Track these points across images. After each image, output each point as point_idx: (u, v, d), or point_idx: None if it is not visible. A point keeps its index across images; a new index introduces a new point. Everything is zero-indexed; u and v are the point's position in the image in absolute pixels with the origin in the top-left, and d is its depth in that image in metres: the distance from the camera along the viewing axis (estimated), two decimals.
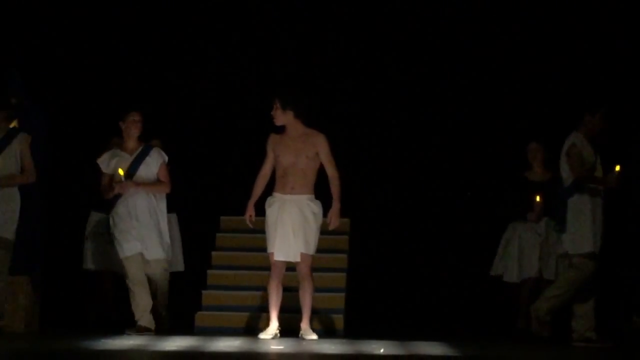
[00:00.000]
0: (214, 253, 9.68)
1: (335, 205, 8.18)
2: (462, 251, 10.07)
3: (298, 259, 8.15)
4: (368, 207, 10.23)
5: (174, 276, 9.72)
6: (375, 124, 10.46)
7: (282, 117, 8.18)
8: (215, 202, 10.13)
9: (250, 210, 8.22)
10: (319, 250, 8.68)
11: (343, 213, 8.38)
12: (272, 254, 8.17)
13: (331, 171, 8.21)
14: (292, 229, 8.10)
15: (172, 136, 10.28)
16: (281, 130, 8.27)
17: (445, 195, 10.28)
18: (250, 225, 8.27)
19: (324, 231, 8.45)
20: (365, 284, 9.91)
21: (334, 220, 8.18)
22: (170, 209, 8.80)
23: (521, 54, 10.23)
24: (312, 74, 10.33)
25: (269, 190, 8.30)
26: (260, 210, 8.27)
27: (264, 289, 8.57)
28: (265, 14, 10.51)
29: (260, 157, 8.41)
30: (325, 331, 8.78)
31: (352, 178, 10.01)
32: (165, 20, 10.44)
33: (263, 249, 8.81)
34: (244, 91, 10.42)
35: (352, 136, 10.30)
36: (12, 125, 8.49)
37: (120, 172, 8.35)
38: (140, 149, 8.50)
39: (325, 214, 8.22)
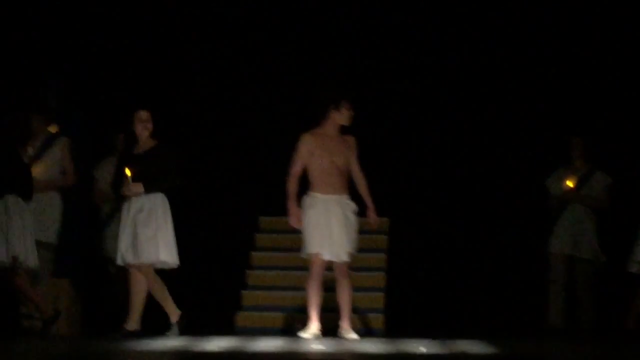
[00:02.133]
0: (253, 253, 9.71)
1: (372, 205, 8.25)
2: (503, 248, 10.01)
3: (345, 259, 8.16)
4: (407, 206, 10.21)
5: (214, 277, 9.80)
6: (413, 121, 10.43)
7: None
8: (254, 202, 10.16)
9: (296, 212, 8.20)
10: (359, 249, 8.70)
11: (382, 212, 8.41)
12: (316, 254, 8.17)
13: (360, 172, 8.28)
14: (337, 229, 8.12)
15: (211, 136, 10.35)
16: (313, 130, 8.23)
17: (485, 193, 10.23)
18: (298, 227, 8.26)
19: (363, 230, 8.45)
20: (405, 283, 9.89)
21: (376, 219, 8.26)
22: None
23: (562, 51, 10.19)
24: (351, 72, 10.31)
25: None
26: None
27: (303, 289, 8.57)
28: (305, 12, 10.51)
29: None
30: (365, 331, 8.78)
31: (391, 177, 10.02)
32: (210, 22, 10.46)
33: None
34: (282, 92, 10.43)
35: (391, 134, 10.28)
36: (52, 130, 8.59)
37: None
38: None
39: (361, 214, 8.25)
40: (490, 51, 10.28)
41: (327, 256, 8.15)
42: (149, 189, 8.11)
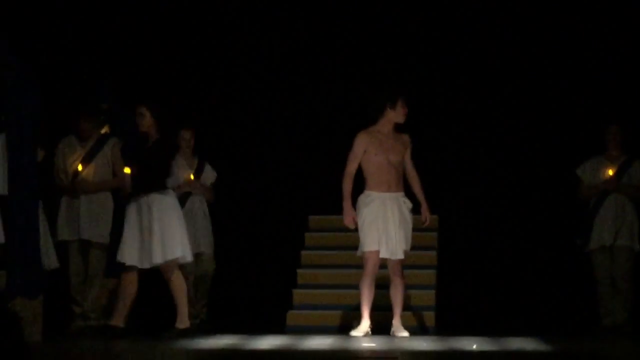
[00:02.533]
0: (303, 252, 9.73)
1: (425, 203, 8.29)
2: (556, 246, 9.92)
3: (401, 256, 8.17)
4: (456, 204, 10.16)
5: (265, 276, 9.82)
6: (461, 118, 10.38)
7: None
8: (303, 201, 10.18)
9: (352, 212, 8.20)
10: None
11: (432, 209, 8.41)
12: (372, 252, 8.16)
13: (414, 170, 8.30)
14: (394, 226, 8.13)
15: (260, 135, 10.38)
16: (368, 128, 8.25)
17: (536, 188, 10.14)
18: (353, 227, 8.26)
19: (414, 228, 8.44)
20: (456, 280, 9.85)
21: (429, 217, 8.29)
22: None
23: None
24: (402, 70, 10.28)
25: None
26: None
27: (353, 287, 8.58)
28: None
29: (344, 154, 8.39)
30: (417, 328, 8.76)
31: (440, 174, 9.97)
32: (231, 21, 10.47)
33: (352, 247, 8.82)
34: (330, 90, 10.43)
35: (440, 131, 10.23)
36: (103, 131, 8.66)
37: (192, 176, 8.94)
38: (196, 162, 9.05)
39: (415, 212, 8.25)
40: (524, 41, 10.18)
41: (383, 253, 8.15)
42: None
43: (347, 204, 8.22)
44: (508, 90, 10.29)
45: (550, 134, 10.12)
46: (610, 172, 8.90)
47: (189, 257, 8.03)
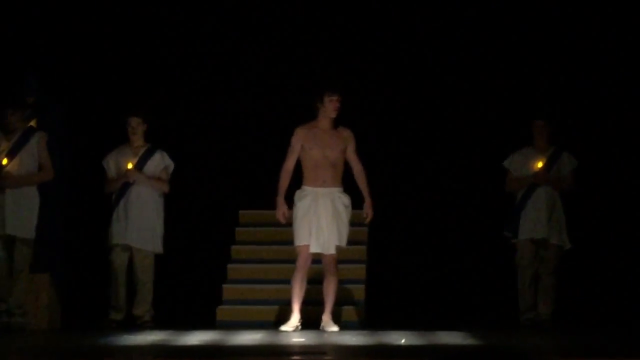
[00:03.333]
0: (233, 247, 9.70)
1: (369, 200, 8.31)
2: (482, 240, 10.03)
3: (333, 252, 8.18)
4: (386, 199, 10.21)
5: (194, 271, 9.78)
6: (390, 112, 10.44)
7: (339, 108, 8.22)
8: (234, 196, 10.14)
9: (283, 207, 8.21)
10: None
11: (361, 204, 8.42)
12: (303, 246, 8.17)
13: (358, 166, 8.31)
14: (326, 221, 8.13)
15: (189, 131, 10.32)
16: (307, 123, 8.25)
17: (465, 182, 10.23)
18: (284, 222, 8.26)
19: (352, 223, 8.45)
20: (385, 275, 9.90)
21: (371, 214, 8.30)
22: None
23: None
24: (341, 69, 10.32)
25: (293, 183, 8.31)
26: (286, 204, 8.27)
27: (284, 282, 8.58)
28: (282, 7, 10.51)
29: (275, 149, 8.40)
30: (346, 323, 8.79)
31: (369, 168, 10.01)
32: (176, 17, 10.42)
33: (282, 242, 8.83)
34: (260, 84, 10.42)
35: (369, 125, 10.26)
36: (30, 125, 8.54)
37: (130, 165, 8.73)
38: (144, 149, 8.83)
39: (355, 207, 8.25)
40: (454, 38, 10.30)
41: (313, 248, 8.15)
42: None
43: (280, 198, 8.23)
44: (436, 85, 10.38)
45: (478, 126, 10.22)
46: (540, 165, 8.88)
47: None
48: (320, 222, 8.14)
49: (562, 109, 9.73)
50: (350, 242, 9.36)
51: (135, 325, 8.65)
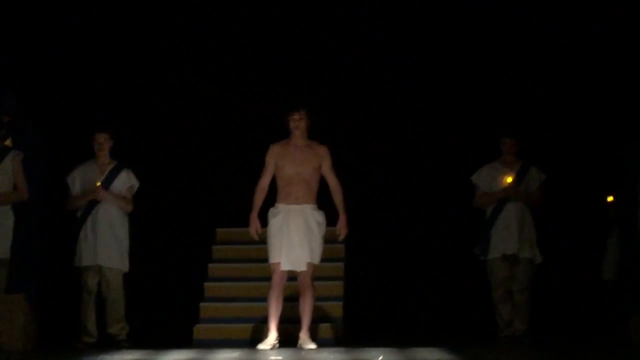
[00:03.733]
0: (210, 265, 9.68)
1: (343, 217, 8.26)
2: (459, 257, 10.05)
3: (304, 268, 8.16)
4: (364, 215, 10.23)
5: (171, 289, 9.75)
6: (368, 127, 10.48)
7: (305, 127, 8.17)
8: (210, 214, 10.13)
9: (256, 224, 8.21)
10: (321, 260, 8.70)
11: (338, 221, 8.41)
12: (277, 264, 8.16)
13: (334, 182, 8.27)
14: (297, 238, 8.12)
15: (164, 149, 10.31)
16: (281, 139, 8.25)
17: (442, 200, 10.27)
18: (257, 238, 8.25)
19: (326, 240, 8.44)
20: (363, 292, 9.90)
21: (344, 231, 8.26)
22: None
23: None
24: (303, 84, 10.36)
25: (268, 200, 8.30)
26: (261, 222, 8.25)
27: (261, 300, 8.56)
28: (254, 16, 10.52)
29: (253, 167, 8.40)
30: (324, 340, 8.77)
31: (347, 186, 10.03)
32: (147, 36, 10.44)
33: (259, 259, 8.81)
34: (238, 102, 10.43)
35: (345, 141, 10.30)
36: (5, 144, 8.49)
37: (98, 183, 8.68)
38: (111, 167, 8.76)
39: (330, 224, 8.24)
40: (422, 59, 10.36)
41: (284, 265, 8.14)
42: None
43: (253, 215, 8.22)
44: (411, 100, 10.43)
45: (449, 141, 10.26)
46: (509, 180, 8.82)
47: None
48: (292, 239, 8.12)
49: (529, 124, 9.78)
50: (327, 259, 9.37)
51: (111, 344, 8.59)
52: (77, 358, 7.47)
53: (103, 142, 8.73)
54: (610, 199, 9.95)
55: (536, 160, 9.14)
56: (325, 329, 8.93)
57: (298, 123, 8.17)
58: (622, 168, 9.32)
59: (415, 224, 10.28)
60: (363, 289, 9.91)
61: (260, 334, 8.60)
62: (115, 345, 8.57)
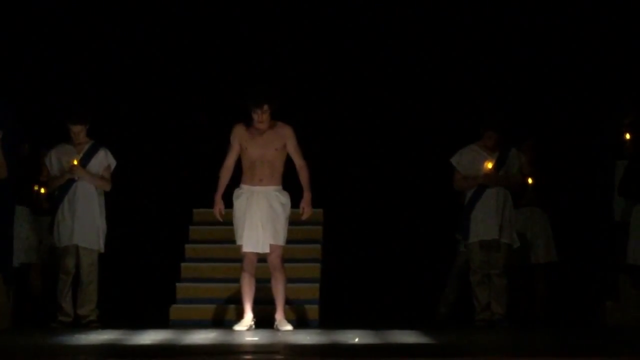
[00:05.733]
0: (187, 246, 9.65)
1: (307, 195, 8.20)
2: (437, 239, 10.07)
3: (267, 250, 8.14)
4: (341, 197, 10.23)
5: (147, 270, 9.73)
6: (346, 111, 10.47)
7: (268, 118, 8.12)
8: (188, 194, 10.10)
9: (219, 204, 8.19)
10: (293, 241, 8.69)
11: (316, 203, 8.40)
12: (241, 245, 8.15)
13: (300, 162, 8.21)
14: (260, 220, 8.09)
15: (143, 129, 10.27)
16: (246, 120, 8.21)
17: (419, 184, 10.28)
18: (220, 219, 8.25)
19: (298, 222, 8.45)
20: (340, 274, 9.91)
21: (307, 210, 8.20)
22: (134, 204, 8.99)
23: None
24: (280, 64, 10.33)
25: (233, 181, 8.27)
26: (228, 203, 8.24)
27: (238, 281, 8.55)
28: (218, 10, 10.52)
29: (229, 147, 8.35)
30: (300, 322, 8.78)
31: (325, 168, 10.03)
32: (126, 18, 10.39)
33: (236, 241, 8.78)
34: (213, 85, 10.40)
35: (324, 125, 10.29)
36: None
37: (75, 161, 8.61)
38: (87, 146, 8.71)
39: (296, 205, 8.21)
40: (410, 50, 10.38)
41: (247, 247, 8.12)
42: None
43: (217, 195, 8.20)
44: (393, 87, 10.43)
45: (430, 124, 10.27)
46: (489, 166, 8.76)
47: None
48: (255, 222, 8.08)
49: (510, 116, 9.79)
50: (305, 240, 9.38)
51: (80, 325, 8.55)
52: (52, 337, 7.45)
53: (78, 132, 8.70)
54: None
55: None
56: (302, 310, 8.93)
57: (262, 117, 8.11)
58: (598, 154, 9.39)
59: (393, 207, 10.29)
60: (340, 271, 9.91)
61: (236, 315, 8.60)
62: (85, 326, 8.51)
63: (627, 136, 9.03)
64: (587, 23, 10.18)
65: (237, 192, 8.21)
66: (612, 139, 9.23)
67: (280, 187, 8.20)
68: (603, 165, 9.29)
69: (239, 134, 8.18)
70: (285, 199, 8.17)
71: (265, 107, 8.08)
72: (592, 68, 10.15)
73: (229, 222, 8.45)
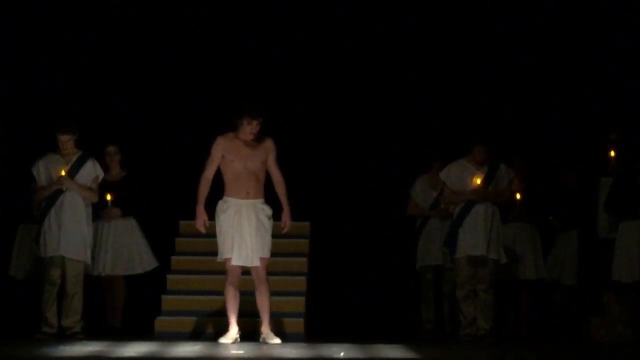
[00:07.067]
0: (173, 258, 9.63)
1: (287, 208, 8.20)
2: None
3: (257, 264, 8.12)
4: (328, 211, 10.23)
5: (133, 281, 9.69)
6: (333, 124, 10.48)
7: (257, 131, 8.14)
8: (174, 206, 10.08)
9: (203, 215, 8.16)
10: (280, 254, 8.67)
11: (303, 217, 8.39)
12: (229, 259, 8.13)
13: (278, 175, 8.21)
14: (249, 234, 8.07)
15: (131, 140, 10.24)
16: (229, 133, 8.19)
17: (406, 198, 10.27)
18: (204, 231, 8.22)
19: (285, 235, 8.42)
20: (326, 288, 9.90)
21: (289, 223, 8.20)
22: (128, 214, 8.94)
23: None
24: (267, 76, 10.36)
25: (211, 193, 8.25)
26: (209, 215, 8.21)
27: (223, 293, 8.53)
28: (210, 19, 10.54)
29: None
30: (286, 335, 8.76)
31: (311, 181, 10.04)
32: (112, 25, 10.40)
33: None
34: (200, 96, 10.41)
35: (310, 138, 10.30)
36: None
37: (62, 172, 8.54)
38: (76, 157, 8.69)
39: (276, 218, 8.20)
40: (396, 65, 10.41)
41: (236, 260, 8.09)
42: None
43: (199, 207, 8.16)
44: (380, 100, 10.45)
45: (419, 143, 10.29)
46: (478, 181, 8.75)
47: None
48: (244, 235, 8.06)
49: (500, 130, 9.83)
50: (291, 254, 9.37)
51: (65, 336, 8.51)
52: (36, 348, 7.41)
53: (66, 141, 8.65)
54: None
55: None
56: (288, 323, 8.91)
57: (255, 129, 8.11)
58: (583, 171, 9.43)
59: (380, 220, 10.29)
60: (326, 284, 9.91)
61: (222, 328, 8.56)
62: (69, 337, 8.47)
63: (612, 153, 9.06)
64: (572, 41, 10.24)
65: (222, 205, 8.18)
66: (596, 156, 9.28)
67: (263, 200, 8.19)
68: (587, 182, 9.33)
69: (222, 146, 8.16)
70: (270, 211, 8.18)
71: (261, 120, 8.09)
72: (579, 87, 10.22)
73: (214, 234, 8.43)
